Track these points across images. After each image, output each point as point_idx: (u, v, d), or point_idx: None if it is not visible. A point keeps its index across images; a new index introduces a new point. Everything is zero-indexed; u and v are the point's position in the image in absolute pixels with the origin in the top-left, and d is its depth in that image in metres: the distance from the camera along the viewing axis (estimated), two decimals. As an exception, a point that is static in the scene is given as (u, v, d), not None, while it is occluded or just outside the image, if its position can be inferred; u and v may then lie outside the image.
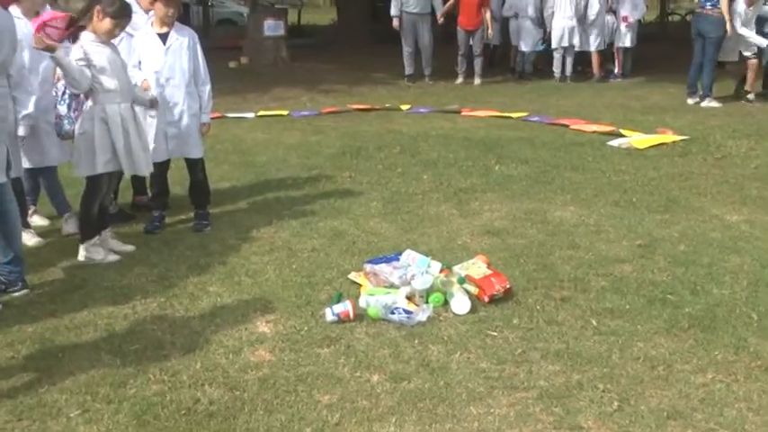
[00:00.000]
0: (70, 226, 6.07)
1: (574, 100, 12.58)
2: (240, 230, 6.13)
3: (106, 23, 5.26)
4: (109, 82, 5.31)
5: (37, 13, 5.73)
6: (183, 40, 5.96)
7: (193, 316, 4.64)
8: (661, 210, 6.51)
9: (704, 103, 11.63)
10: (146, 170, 5.73)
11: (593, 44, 14.80)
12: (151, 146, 5.92)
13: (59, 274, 5.35)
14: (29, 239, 5.81)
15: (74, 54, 5.21)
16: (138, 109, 5.64)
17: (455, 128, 10.16)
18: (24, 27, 5.53)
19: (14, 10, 5.49)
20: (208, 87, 6.11)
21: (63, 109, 5.33)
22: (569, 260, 5.40)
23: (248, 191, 7.28)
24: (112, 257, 5.56)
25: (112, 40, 5.43)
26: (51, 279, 5.26)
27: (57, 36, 5.34)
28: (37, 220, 6.31)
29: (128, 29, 6.33)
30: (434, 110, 11.53)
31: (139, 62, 5.97)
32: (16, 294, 4.96)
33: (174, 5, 5.90)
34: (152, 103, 5.82)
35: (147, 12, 6.26)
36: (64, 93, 5.31)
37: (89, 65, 5.23)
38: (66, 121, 5.34)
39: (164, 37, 5.93)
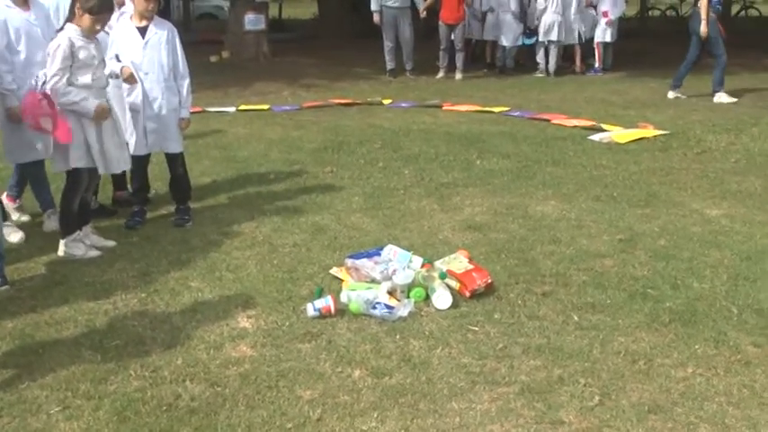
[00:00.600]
0: (52, 222, 6.02)
1: (555, 95, 12.61)
2: (221, 225, 6.11)
3: (86, 20, 5.20)
4: (86, 78, 5.27)
5: (25, 2, 5.68)
6: (162, 34, 5.91)
7: (174, 311, 4.62)
8: (642, 204, 6.54)
9: (716, 99, 11.66)
10: (120, 167, 5.70)
11: (573, 38, 14.95)
12: (132, 140, 5.90)
13: (40, 269, 5.31)
14: (12, 235, 5.76)
15: (60, 41, 5.18)
16: (114, 105, 5.58)
17: (436, 122, 10.16)
18: (17, 15, 5.54)
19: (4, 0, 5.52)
20: (187, 82, 6.06)
21: None
22: (551, 255, 5.42)
23: (229, 186, 7.25)
24: (93, 253, 5.52)
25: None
26: (31, 275, 5.22)
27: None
28: (19, 216, 6.26)
29: None
30: (416, 104, 11.53)
31: (116, 55, 5.91)
32: (-2, 290, 4.93)
33: (154, 0, 5.86)
34: (128, 79, 5.76)
35: (119, 6, 6.19)
36: (44, 83, 5.25)
37: (72, 58, 5.19)
38: None
39: (143, 31, 5.88)
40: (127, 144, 5.80)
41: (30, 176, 6.10)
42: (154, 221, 6.24)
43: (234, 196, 6.92)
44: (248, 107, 11.26)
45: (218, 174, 7.64)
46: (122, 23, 5.96)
